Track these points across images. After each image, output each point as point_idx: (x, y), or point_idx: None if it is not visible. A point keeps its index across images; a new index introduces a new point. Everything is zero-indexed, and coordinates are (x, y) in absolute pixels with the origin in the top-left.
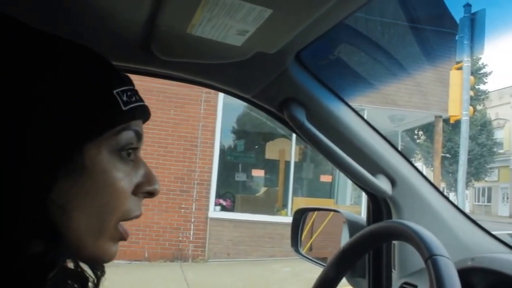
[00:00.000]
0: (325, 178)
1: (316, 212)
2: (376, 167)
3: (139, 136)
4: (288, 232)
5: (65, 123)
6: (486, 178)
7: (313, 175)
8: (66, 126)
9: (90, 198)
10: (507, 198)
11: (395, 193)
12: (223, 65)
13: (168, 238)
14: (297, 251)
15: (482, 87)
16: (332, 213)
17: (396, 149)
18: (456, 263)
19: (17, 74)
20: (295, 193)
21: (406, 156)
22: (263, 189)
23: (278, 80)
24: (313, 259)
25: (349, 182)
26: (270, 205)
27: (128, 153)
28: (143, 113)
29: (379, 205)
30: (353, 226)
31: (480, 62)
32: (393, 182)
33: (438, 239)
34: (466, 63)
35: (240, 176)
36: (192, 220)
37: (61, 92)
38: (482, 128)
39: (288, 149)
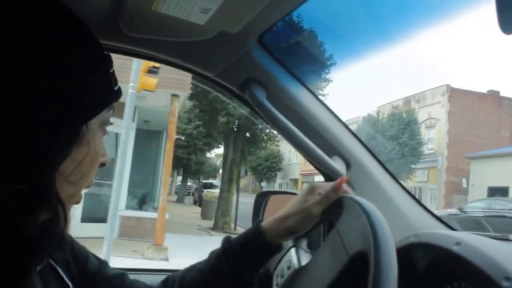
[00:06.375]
0: None
1: None
2: (332, 148)
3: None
4: None
5: (79, 103)
6: (417, 179)
7: None
8: (80, 106)
9: (79, 168)
10: (435, 199)
11: (349, 174)
12: (187, 43)
13: None
14: None
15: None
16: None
17: (352, 132)
18: (400, 240)
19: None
20: None
21: (361, 140)
22: None
23: (241, 61)
24: None
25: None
26: None
27: (105, 128)
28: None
29: None
30: None
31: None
32: (347, 164)
33: (387, 218)
34: None
35: None
36: None
37: (75, 76)
38: (406, 127)
39: None
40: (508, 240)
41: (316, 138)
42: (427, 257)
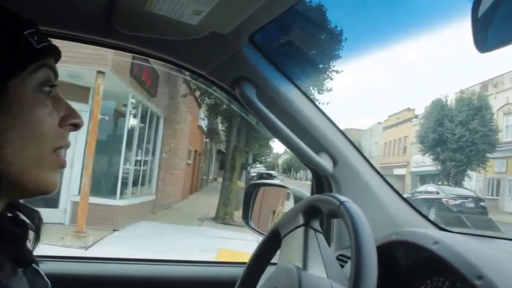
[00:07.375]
0: None
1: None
2: (320, 145)
3: (55, 73)
4: None
5: None
6: (495, 169)
7: None
8: None
9: (22, 131)
10: None
11: (335, 171)
12: (180, 42)
13: None
14: (248, 224)
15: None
16: None
17: (339, 129)
18: (383, 237)
19: None
20: None
21: (348, 137)
22: None
23: (232, 60)
24: (262, 232)
25: None
26: None
27: (49, 90)
28: (55, 52)
29: (321, 182)
30: (298, 201)
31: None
32: (334, 161)
33: (371, 215)
34: None
35: None
36: None
37: None
38: (476, 112)
39: None
40: (487, 237)
41: (304, 135)
42: (408, 254)
